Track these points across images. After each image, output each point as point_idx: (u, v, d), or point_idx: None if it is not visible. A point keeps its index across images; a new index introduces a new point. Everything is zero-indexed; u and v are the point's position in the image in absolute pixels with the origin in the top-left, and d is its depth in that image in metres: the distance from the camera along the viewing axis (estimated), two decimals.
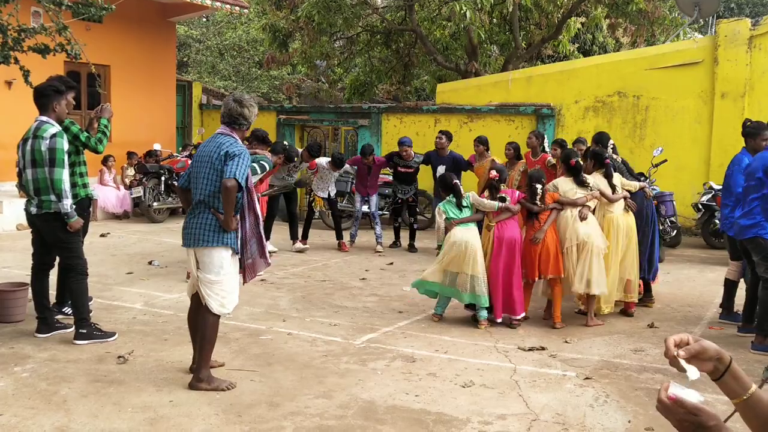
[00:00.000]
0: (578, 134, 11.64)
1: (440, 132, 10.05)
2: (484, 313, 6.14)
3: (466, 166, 9.83)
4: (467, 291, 6.09)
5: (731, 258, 6.56)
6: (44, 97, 5.35)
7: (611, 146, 7.28)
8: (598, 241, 6.29)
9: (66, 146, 5.31)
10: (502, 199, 6.28)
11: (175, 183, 12.32)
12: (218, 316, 4.57)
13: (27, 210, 5.43)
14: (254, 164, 6.86)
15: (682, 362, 1.56)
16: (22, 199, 9.77)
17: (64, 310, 6.03)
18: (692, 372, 1.56)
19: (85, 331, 5.38)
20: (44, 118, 5.33)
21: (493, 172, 6.49)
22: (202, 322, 4.55)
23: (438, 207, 6.49)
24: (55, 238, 5.43)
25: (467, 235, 6.19)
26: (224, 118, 4.61)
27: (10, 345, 5.28)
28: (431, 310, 6.57)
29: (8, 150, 8.15)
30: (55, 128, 5.29)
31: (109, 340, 5.42)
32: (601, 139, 7.34)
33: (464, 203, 6.39)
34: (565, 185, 6.49)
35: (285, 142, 10.19)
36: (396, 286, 7.79)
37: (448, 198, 6.49)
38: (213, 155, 4.45)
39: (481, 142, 9.72)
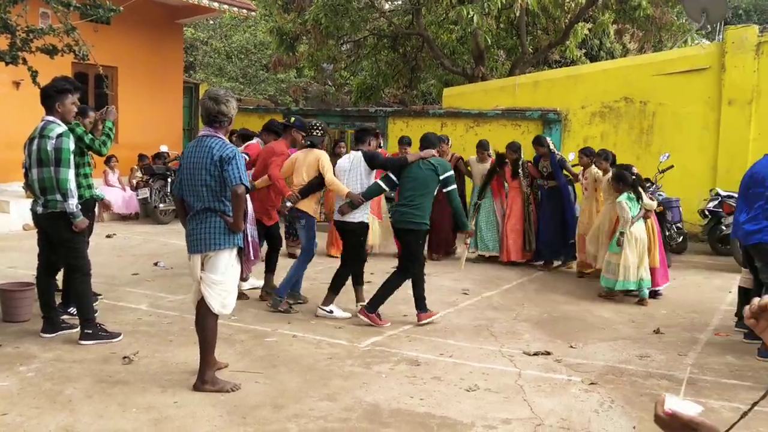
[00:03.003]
0: (585, 140, 11.65)
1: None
2: (646, 292, 7.24)
3: None
4: (637, 279, 7.18)
5: (743, 266, 6.51)
6: (50, 97, 5.37)
7: (550, 143, 9.11)
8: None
9: (72, 146, 5.33)
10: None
11: None
12: (217, 317, 4.57)
13: (33, 210, 5.45)
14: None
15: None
16: (28, 199, 9.76)
17: (69, 310, 6.05)
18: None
19: (90, 331, 5.40)
20: (51, 118, 5.35)
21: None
22: (201, 324, 4.55)
23: (621, 202, 7.21)
24: (60, 237, 5.44)
25: (640, 230, 7.26)
26: (204, 119, 4.55)
27: (16, 344, 5.29)
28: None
29: (15, 150, 8.17)
30: (62, 128, 5.31)
31: (114, 340, 5.42)
32: (539, 139, 9.23)
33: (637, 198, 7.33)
34: None
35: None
36: (401, 289, 7.76)
37: (628, 194, 7.25)
38: (206, 161, 4.39)
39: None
